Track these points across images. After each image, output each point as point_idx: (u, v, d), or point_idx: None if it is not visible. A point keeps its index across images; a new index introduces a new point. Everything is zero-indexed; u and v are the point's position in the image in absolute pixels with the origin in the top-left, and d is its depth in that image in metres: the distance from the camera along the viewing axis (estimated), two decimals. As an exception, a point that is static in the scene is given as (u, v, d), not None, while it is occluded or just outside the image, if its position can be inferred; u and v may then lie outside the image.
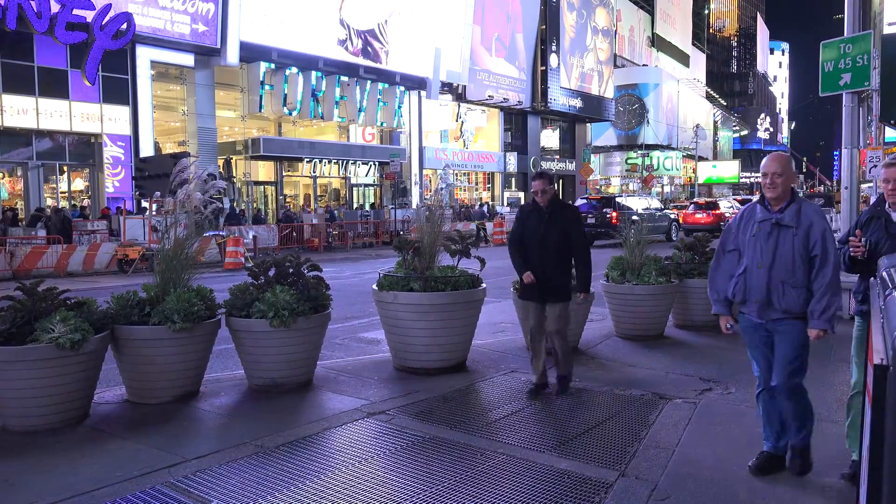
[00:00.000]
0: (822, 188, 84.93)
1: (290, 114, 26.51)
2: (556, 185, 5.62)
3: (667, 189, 56.57)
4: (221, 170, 24.87)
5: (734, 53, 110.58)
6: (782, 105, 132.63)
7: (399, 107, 30.63)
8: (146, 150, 21.91)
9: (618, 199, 24.37)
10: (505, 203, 36.84)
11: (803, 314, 3.62)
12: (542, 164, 40.54)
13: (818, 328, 3.56)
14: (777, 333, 3.72)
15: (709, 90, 76.31)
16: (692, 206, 28.29)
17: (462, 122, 36.14)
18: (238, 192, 25.48)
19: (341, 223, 24.53)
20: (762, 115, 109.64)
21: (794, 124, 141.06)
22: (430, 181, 33.53)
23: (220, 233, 17.41)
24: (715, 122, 74.44)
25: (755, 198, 4.43)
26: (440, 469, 3.92)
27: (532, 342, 5.50)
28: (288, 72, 25.87)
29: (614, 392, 5.44)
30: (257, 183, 27.99)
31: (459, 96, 34.39)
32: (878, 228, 3.64)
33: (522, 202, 37.70)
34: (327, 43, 26.79)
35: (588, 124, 46.89)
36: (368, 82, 28.84)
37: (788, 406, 3.73)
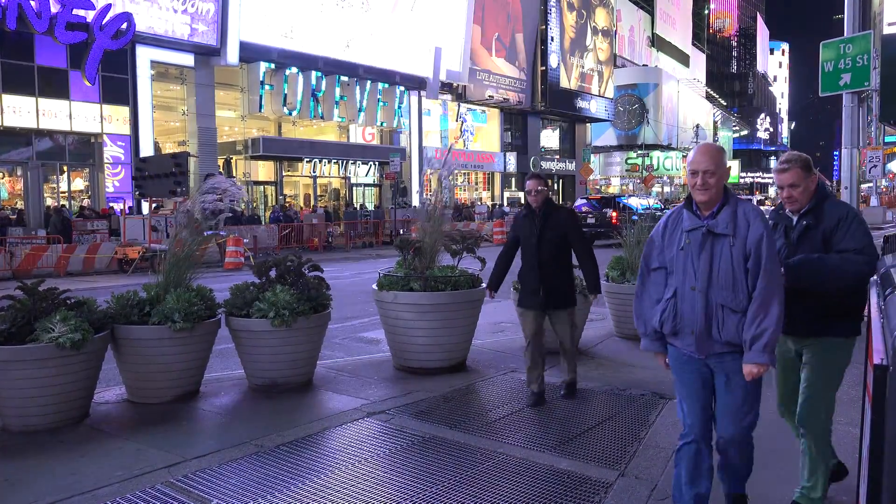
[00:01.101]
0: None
1: (290, 114, 26.50)
2: (549, 186, 5.53)
3: (667, 189, 56.57)
4: (221, 170, 24.88)
5: (734, 53, 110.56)
6: (782, 105, 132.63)
7: (399, 107, 30.63)
8: (146, 150, 21.91)
9: (618, 199, 24.39)
10: (505, 203, 36.86)
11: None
12: (542, 165, 40.55)
13: (753, 363, 2.81)
14: (722, 373, 2.97)
15: (709, 90, 76.32)
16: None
17: (462, 122, 36.16)
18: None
19: (336, 222, 24.55)
20: (762, 115, 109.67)
21: (794, 124, 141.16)
22: (431, 181, 33.53)
23: (220, 233, 17.41)
24: (715, 122, 74.44)
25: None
26: (440, 469, 3.92)
27: (530, 351, 5.21)
28: (288, 72, 25.87)
29: (614, 392, 5.44)
30: (257, 183, 27.99)
31: (459, 96, 34.40)
32: (780, 235, 3.34)
33: (523, 202, 37.75)
34: (327, 43, 26.79)
35: (588, 124, 46.89)
36: (368, 82, 28.84)
37: (736, 457, 3.06)
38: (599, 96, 44.24)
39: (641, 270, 3.19)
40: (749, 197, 40.01)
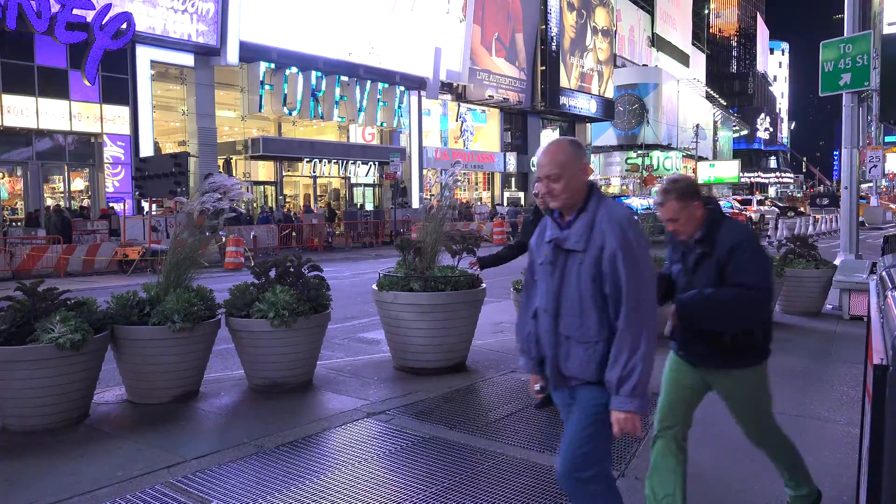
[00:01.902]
0: (823, 188, 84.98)
1: (290, 114, 26.51)
2: None
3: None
4: (221, 170, 24.88)
5: (734, 53, 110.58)
6: (782, 105, 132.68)
7: (399, 107, 30.64)
8: (146, 150, 21.92)
9: (618, 199, 24.41)
10: (505, 203, 36.86)
11: (601, 380, 2.42)
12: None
13: (621, 410, 2.35)
14: (573, 402, 2.55)
15: (709, 90, 76.32)
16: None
17: (462, 122, 36.16)
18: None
19: (336, 223, 24.55)
20: (762, 115, 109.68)
21: (794, 124, 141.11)
22: (431, 181, 33.54)
23: (220, 233, 17.40)
24: (715, 122, 74.45)
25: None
26: (440, 469, 3.92)
27: None
28: (288, 72, 25.87)
29: (614, 392, 5.43)
30: (257, 183, 27.99)
31: (459, 96, 34.40)
32: (679, 259, 3.13)
33: (523, 202, 37.75)
34: (327, 43, 26.79)
35: (588, 124, 46.90)
36: (368, 82, 28.84)
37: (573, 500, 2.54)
38: (599, 96, 44.24)
39: (526, 280, 2.74)
40: (750, 197, 39.79)
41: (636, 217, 2.69)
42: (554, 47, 39.09)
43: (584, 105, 42.50)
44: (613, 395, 2.37)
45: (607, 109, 45.77)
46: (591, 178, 2.59)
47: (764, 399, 3.15)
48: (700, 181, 60.10)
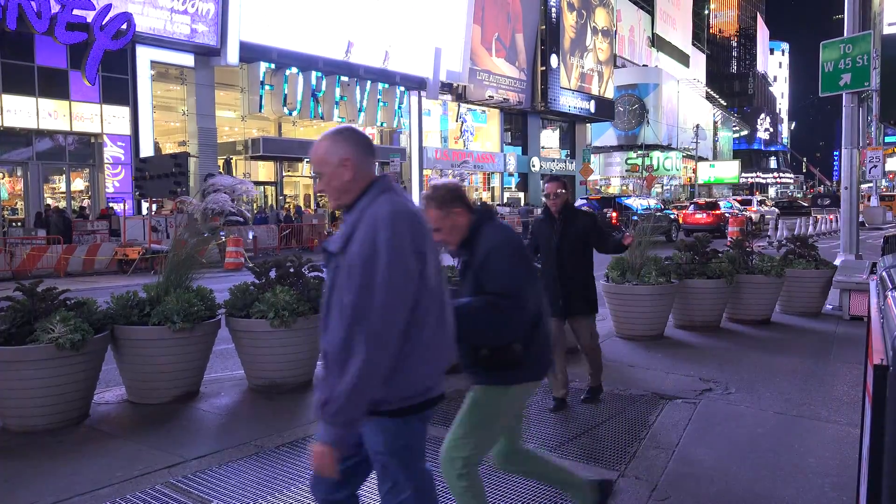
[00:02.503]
0: (823, 188, 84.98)
1: (290, 114, 26.51)
2: (569, 189, 5.39)
3: (665, 189, 56.57)
4: (222, 170, 24.87)
5: (734, 54, 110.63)
6: (782, 105, 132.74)
7: (399, 107, 30.64)
8: (146, 151, 21.92)
9: (618, 200, 24.43)
10: (504, 199, 36.88)
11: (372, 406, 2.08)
12: (542, 165, 40.56)
13: (321, 442, 2.03)
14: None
15: (709, 90, 76.37)
16: (692, 206, 28.32)
17: (462, 122, 36.16)
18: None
19: (334, 224, 24.48)
20: (762, 116, 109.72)
21: (794, 124, 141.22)
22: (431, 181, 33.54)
23: (220, 233, 17.41)
24: (715, 123, 74.50)
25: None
26: (440, 469, 3.92)
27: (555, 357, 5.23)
28: (288, 72, 25.87)
29: (614, 392, 5.44)
30: (257, 183, 27.98)
31: (459, 96, 34.41)
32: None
33: (523, 202, 37.75)
34: (327, 43, 26.80)
35: (588, 124, 46.91)
36: (368, 82, 28.85)
37: None
38: (599, 96, 44.25)
39: None
40: (750, 197, 39.75)
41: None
42: (554, 47, 39.08)
43: (585, 105, 42.49)
44: (320, 421, 2.03)
45: (607, 109, 45.78)
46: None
47: (494, 427, 2.73)
48: (700, 181, 60.18)
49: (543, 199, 5.16)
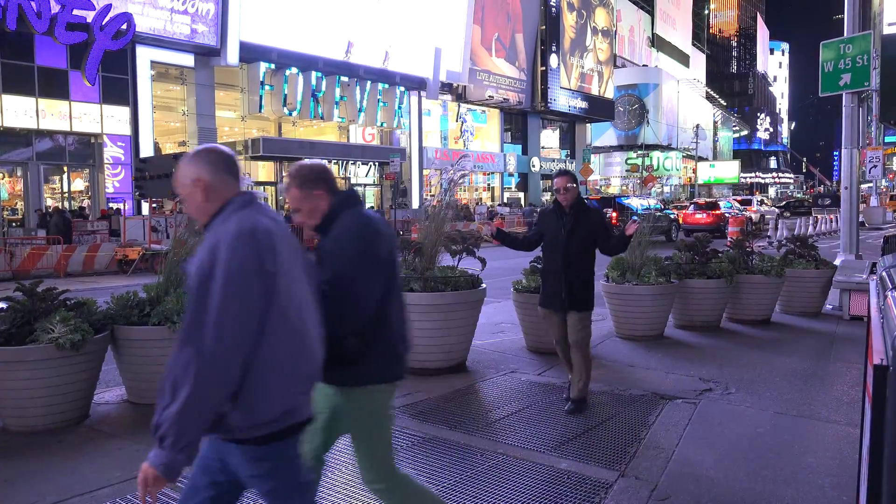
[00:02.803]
0: (823, 188, 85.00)
1: (290, 114, 26.52)
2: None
3: (665, 189, 56.58)
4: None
5: (734, 54, 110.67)
6: (782, 105, 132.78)
7: (399, 107, 30.64)
8: (146, 151, 21.93)
9: (618, 200, 24.44)
10: (505, 199, 36.88)
11: (232, 428, 2.03)
12: (542, 165, 40.56)
13: (148, 464, 1.94)
14: None
15: (709, 90, 76.38)
16: (692, 206, 28.33)
17: (462, 123, 36.17)
18: None
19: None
20: (762, 116, 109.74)
21: (794, 124, 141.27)
22: (434, 182, 33.54)
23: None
24: (715, 123, 74.50)
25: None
26: (440, 469, 3.92)
27: (560, 348, 5.10)
28: (288, 72, 25.88)
29: (614, 392, 5.43)
30: (257, 183, 28.00)
31: (459, 96, 34.41)
32: None
33: (523, 202, 37.76)
34: (327, 43, 26.80)
35: (588, 124, 46.92)
36: (368, 82, 28.85)
37: None
38: (599, 96, 44.26)
39: None
40: (750, 197, 39.73)
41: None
42: (554, 47, 39.09)
43: (585, 105, 42.50)
44: (155, 446, 1.96)
45: (607, 109, 45.78)
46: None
47: (377, 427, 2.58)
48: (700, 181, 60.19)
49: (554, 191, 5.04)
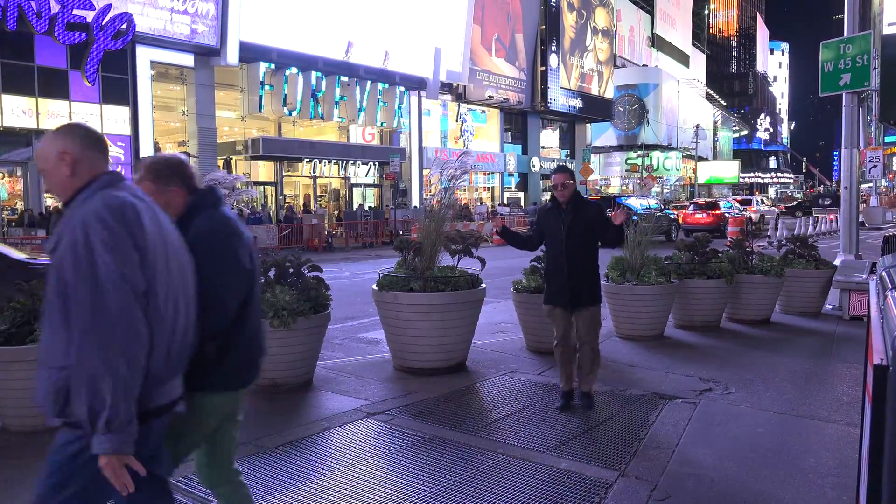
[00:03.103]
0: (823, 188, 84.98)
1: (290, 114, 26.50)
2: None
3: (665, 190, 56.56)
4: (222, 170, 24.86)
5: (734, 54, 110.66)
6: (782, 105, 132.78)
7: (399, 107, 30.64)
8: (146, 151, 21.92)
9: (618, 199, 24.44)
10: (505, 200, 36.85)
11: (73, 418, 1.96)
12: (542, 165, 40.56)
13: (98, 453, 1.91)
14: None
15: (709, 90, 76.35)
16: (692, 206, 28.33)
17: (462, 122, 36.16)
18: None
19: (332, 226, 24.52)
20: (762, 116, 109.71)
21: (794, 124, 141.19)
22: (433, 181, 33.54)
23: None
24: (715, 123, 74.47)
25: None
26: (440, 469, 3.92)
27: (559, 350, 5.11)
28: (288, 72, 25.87)
29: (614, 392, 5.44)
30: (257, 183, 27.99)
31: (459, 96, 34.40)
32: None
33: (522, 202, 37.75)
34: (327, 43, 26.79)
35: (588, 124, 46.90)
36: (368, 82, 28.84)
37: None
38: (599, 96, 44.25)
39: None
40: (749, 197, 39.70)
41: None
42: (554, 47, 39.08)
43: (585, 105, 42.48)
44: (93, 436, 1.91)
45: (607, 109, 45.76)
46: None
47: (195, 437, 2.50)
48: (700, 181, 60.18)
49: (551, 188, 5.08)
